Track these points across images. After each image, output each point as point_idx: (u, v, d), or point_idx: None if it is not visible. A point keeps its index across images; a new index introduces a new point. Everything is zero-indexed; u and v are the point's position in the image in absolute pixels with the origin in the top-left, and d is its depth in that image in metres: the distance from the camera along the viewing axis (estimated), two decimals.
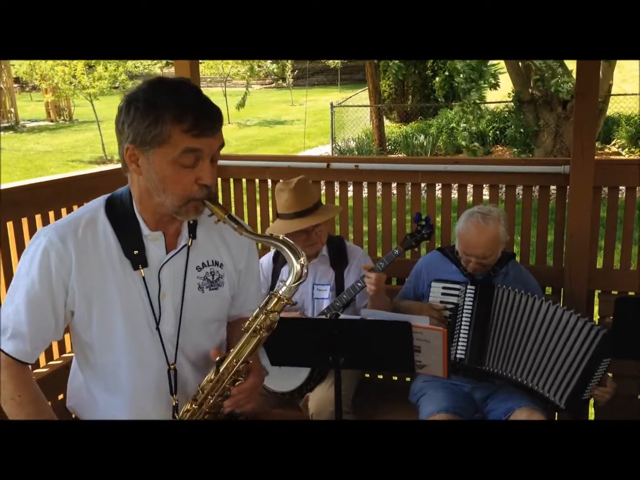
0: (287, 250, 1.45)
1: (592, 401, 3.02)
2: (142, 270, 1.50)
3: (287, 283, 1.45)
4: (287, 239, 1.48)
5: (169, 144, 1.37)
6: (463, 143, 11.55)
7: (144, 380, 1.55)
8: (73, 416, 1.70)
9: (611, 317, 2.86)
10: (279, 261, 2.90)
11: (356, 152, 12.75)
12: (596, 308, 3.05)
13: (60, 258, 1.45)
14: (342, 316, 2.61)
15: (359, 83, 20.41)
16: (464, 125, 11.62)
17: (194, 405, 1.50)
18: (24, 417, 1.45)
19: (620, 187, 3.00)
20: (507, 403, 2.52)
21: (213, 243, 1.61)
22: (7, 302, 1.50)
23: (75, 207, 2.72)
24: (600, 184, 2.91)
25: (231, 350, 1.49)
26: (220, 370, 1.48)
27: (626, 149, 11.37)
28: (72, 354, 2.66)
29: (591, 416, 3.09)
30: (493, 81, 10.50)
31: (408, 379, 3.13)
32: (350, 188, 3.39)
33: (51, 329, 1.50)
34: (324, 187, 3.48)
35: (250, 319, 1.47)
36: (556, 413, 2.96)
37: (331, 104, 13.62)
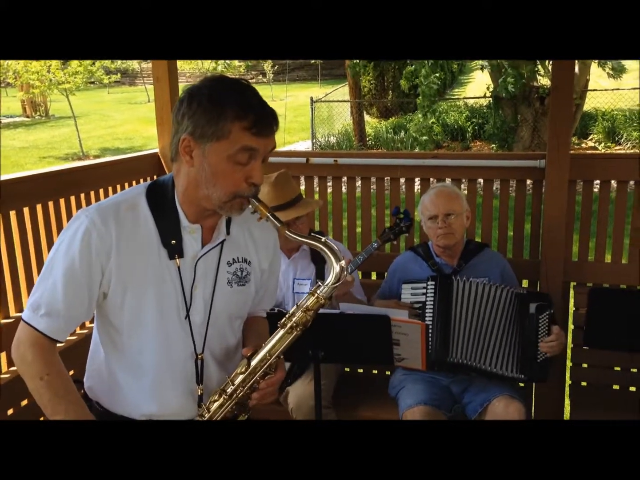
0: (328, 252, 1.49)
1: (567, 402, 3.09)
2: (177, 260, 1.53)
3: (326, 283, 1.49)
4: (329, 241, 1.51)
5: (228, 139, 1.41)
6: (423, 139, 11.58)
7: (168, 368, 1.57)
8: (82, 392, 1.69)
9: (586, 309, 2.92)
10: None
11: (336, 148, 12.77)
12: (571, 300, 3.10)
13: (101, 239, 1.46)
14: (321, 310, 2.61)
15: (339, 78, 20.41)
16: (421, 120, 11.67)
17: (224, 396, 1.51)
18: (50, 397, 1.45)
19: (595, 181, 3.04)
20: (483, 394, 2.56)
21: (243, 240, 1.64)
22: (41, 281, 1.50)
23: (50, 204, 2.70)
24: (575, 177, 2.95)
25: (263, 345, 1.52)
26: (253, 364, 1.51)
27: (602, 144, 11.53)
28: (84, 331, 2.68)
29: (567, 407, 3.15)
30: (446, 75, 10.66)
31: (388, 373, 3.15)
32: (330, 183, 3.40)
33: (84, 309, 1.51)
34: (303, 182, 3.48)
35: (287, 316, 1.51)
36: (533, 402, 3.02)
37: (311, 99, 13.60)
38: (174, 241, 1.52)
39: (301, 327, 1.50)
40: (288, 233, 1.49)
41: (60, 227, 2.69)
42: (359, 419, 2.81)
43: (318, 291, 1.50)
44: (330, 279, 1.49)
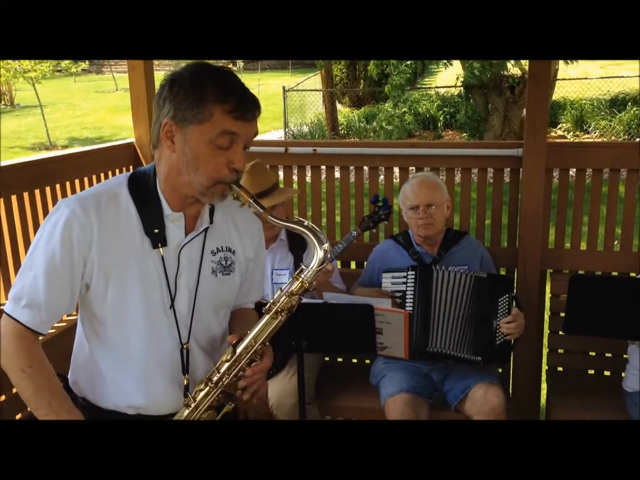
0: (311, 235, 1.48)
1: (543, 387, 3.15)
2: (161, 249, 1.51)
3: (310, 267, 1.48)
4: (312, 224, 1.50)
5: (209, 122, 1.41)
6: (389, 128, 11.68)
7: (156, 358, 1.55)
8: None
9: (563, 295, 2.97)
10: None
11: (309, 137, 12.75)
12: (548, 288, 3.15)
13: (83, 229, 1.44)
14: (304, 300, 2.61)
15: (309, 67, 20.32)
16: (389, 110, 11.75)
17: (210, 385, 1.50)
18: (33, 390, 1.43)
19: (571, 170, 3.08)
20: (463, 381, 2.59)
21: (227, 229, 1.64)
22: (23, 272, 1.48)
23: (26, 195, 2.64)
24: (552, 166, 2.99)
25: (248, 332, 1.51)
26: (238, 351, 1.49)
27: (571, 133, 11.72)
28: (62, 324, 2.63)
29: (543, 391, 3.21)
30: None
31: (368, 361, 3.17)
32: (309, 173, 3.39)
33: (66, 301, 1.48)
34: (282, 172, 3.46)
35: (271, 301, 1.50)
36: (510, 387, 3.07)
37: (283, 88, 13.53)
38: (156, 230, 1.51)
39: (286, 312, 1.49)
40: (271, 218, 1.49)
41: (36, 219, 2.64)
42: (340, 408, 2.82)
43: (302, 275, 1.49)
44: (314, 262, 1.48)
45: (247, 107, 1.43)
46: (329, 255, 1.48)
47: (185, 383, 1.58)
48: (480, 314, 2.59)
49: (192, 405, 1.50)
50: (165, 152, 1.48)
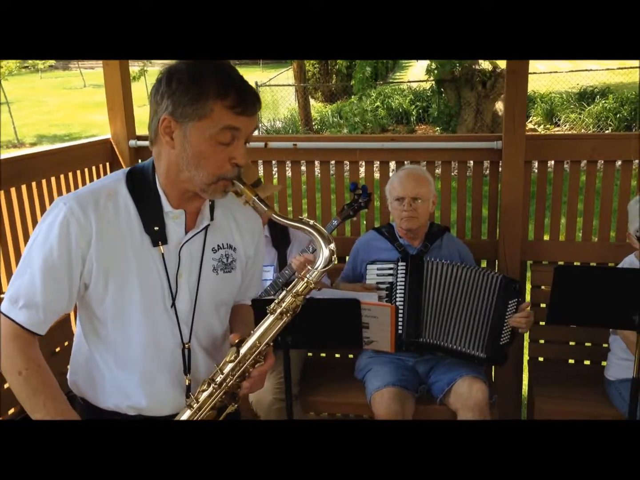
0: (317, 235, 1.44)
1: (525, 380, 3.18)
2: (161, 247, 1.48)
3: (316, 267, 1.45)
4: (317, 224, 1.47)
5: (210, 118, 1.37)
6: (355, 119, 11.73)
7: (157, 358, 1.53)
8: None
9: (543, 287, 3.01)
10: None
11: (283, 132, 12.71)
12: (528, 279, 3.18)
13: (81, 227, 1.41)
14: None
15: (280, 62, 20.23)
16: (355, 102, 11.82)
17: (213, 386, 1.46)
18: (28, 392, 1.41)
19: (549, 162, 3.12)
20: (449, 374, 2.60)
21: (228, 226, 1.61)
22: (19, 272, 1.44)
23: (2, 193, 2.57)
24: (531, 158, 3.02)
25: (252, 332, 1.48)
26: (242, 352, 1.46)
27: (542, 126, 11.87)
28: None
29: (525, 381, 3.25)
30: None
31: (351, 356, 3.16)
32: (289, 167, 3.37)
33: (64, 300, 1.45)
34: (262, 167, 3.44)
35: (276, 301, 1.47)
36: (493, 378, 3.10)
37: (256, 84, 13.45)
38: (156, 227, 1.48)
39: (291, 313, 1.46)
40: (275, 216, 1.46)
41: (12, 217, 2.58)
42: (323, 404, 2.82)
43: (307, 275, 1.46)
44: (319, 262, 1.44)
45: (248, 102, 1.40)
46: (334, 257, 1.44)
47: (187, 383, 1.56)
48: (491, 313, 2.60)
49: (195, 406, 1.47)
50: (165, 149, 1.44)
